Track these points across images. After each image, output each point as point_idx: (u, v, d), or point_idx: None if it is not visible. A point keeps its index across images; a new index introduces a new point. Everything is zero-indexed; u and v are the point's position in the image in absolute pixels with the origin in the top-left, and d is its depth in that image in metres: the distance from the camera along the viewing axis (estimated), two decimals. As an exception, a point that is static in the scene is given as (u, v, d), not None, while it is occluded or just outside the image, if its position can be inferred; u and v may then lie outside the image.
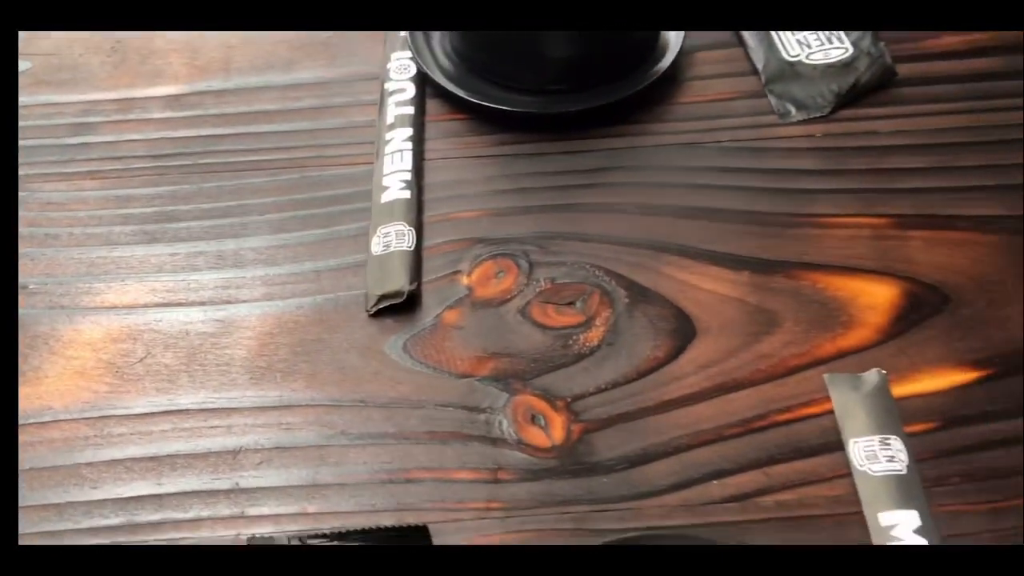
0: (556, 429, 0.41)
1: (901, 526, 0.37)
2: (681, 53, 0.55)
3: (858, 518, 0.38)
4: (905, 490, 0.38)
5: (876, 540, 0.37)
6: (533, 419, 0.42)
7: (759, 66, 0.55)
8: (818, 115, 0.53)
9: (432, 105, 0.55)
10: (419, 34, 0.56)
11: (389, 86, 0.55)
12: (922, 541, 0.37)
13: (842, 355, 0.43)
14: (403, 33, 0.57)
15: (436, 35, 0.57)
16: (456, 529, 0.39)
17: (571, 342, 0.44)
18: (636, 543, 0.37)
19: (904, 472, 0.39)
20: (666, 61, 0.54)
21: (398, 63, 0.56)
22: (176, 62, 0.58)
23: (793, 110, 0.53)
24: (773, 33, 0.56)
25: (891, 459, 0.39)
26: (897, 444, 0.40)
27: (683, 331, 0.44)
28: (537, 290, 0.46)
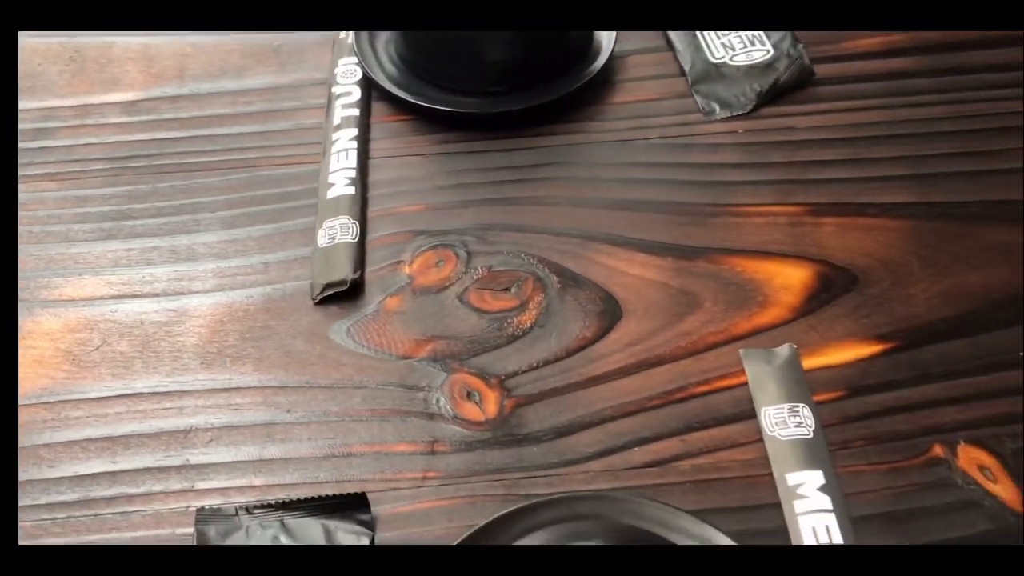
0: (490, 404, 0.44)
1: (806, 485, 0.40)
2: (613, 57, 0.59)
3: (767, 479, 0.41)
4: (811, 453, 0.41)
5: (783, 499, 0.40)
6: (469, 395, 0.44)
7: (686, 68, 0.58)
8: (740, 113, 0.56)
9: (378, 107, 0.58)
10: (365, 40, 0.59)
11: (336, 90, 0.58)
12: (825, 499, 0.40)
13: (757, 332, 0.46)
14: (350, 40, 0.59)
15: (382, 41, 0.60)
16: (394, 497, 0.41)
17: (506, 325, 0.47)
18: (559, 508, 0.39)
19: (811, 436, 0.42)
20: (598, 64, 0.57)
21: (345, 68, 0.59)
22: (133, 70, 0.60)
23: (717, 108, 0.57)
24: (700, 37, 0.60)
25: (799, 425, 0.42)
26: (805, 411, 0.43)
27: (610, 313, 0.47)
28: (475, 277, 0.49)
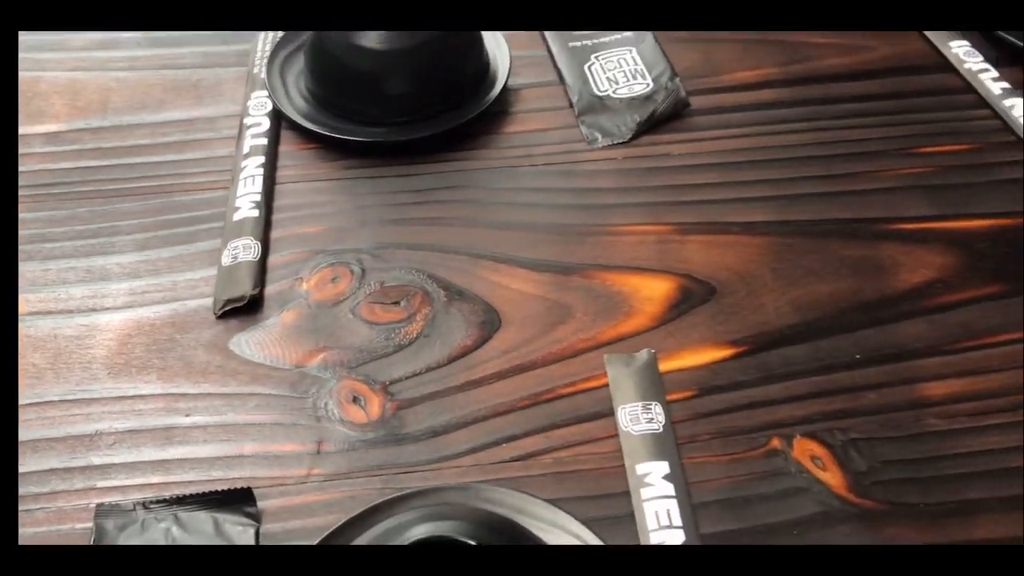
0: (373, 407, 0.48)
1: (653, 474, 0.44)
2: (508, 89, 0.64)
3: (620, 470, 0.45)
4: (660, 445, 0.46)
5: (632, 487, 0.44)
6: (355, 400, 0.48)
7: (574, 100, 0.63)
8: (620, 141, 0.61)
9: (287, 137, 0.62)
10: (276, 75, 0.64)
11: (248, 121, 0.62)
12: (669, 486, 0.44)
13: (621, 339, 0.51)
14: (263, 74, 0.64)
15: (292, 76, 0.64)
16: (280, 492, 0.45)
17: (394, 335, 0.51)
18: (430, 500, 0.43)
19: (660, 431, 0.46)
20: (491, 95, 0.62)
21: (256, 101, 0.63)
22: (58, 103, 0.64)
23: (600, 137, 0.61)
24: (588, 71, 0.65)
25: (651, 421, 0.47)
26: (657, 409, 0.47)
27: (490, 323, 0.52)
28: (367, 292, 0.53)
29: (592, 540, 0.41)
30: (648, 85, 0.64)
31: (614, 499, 0.44)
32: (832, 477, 0.45)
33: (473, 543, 0.34)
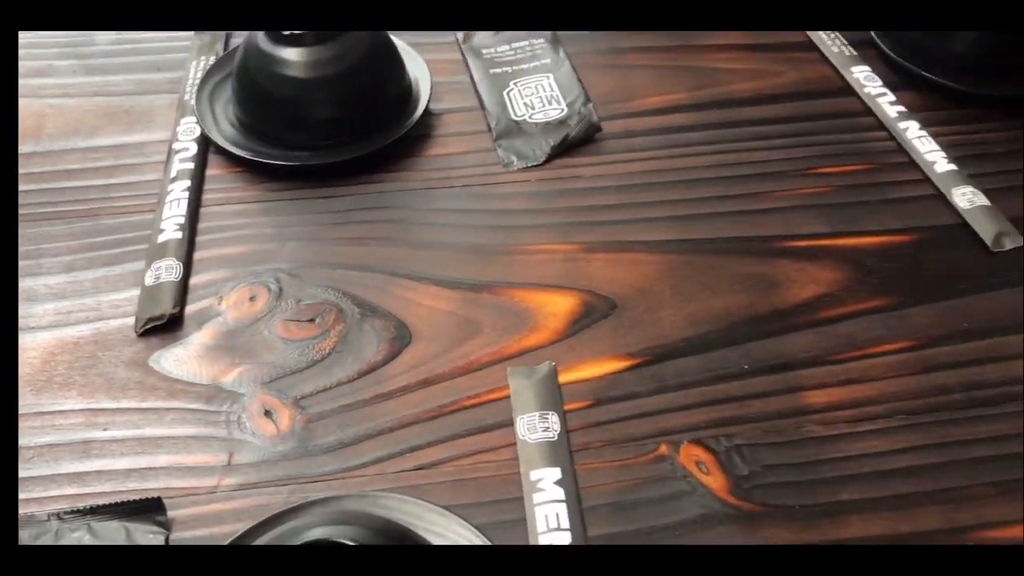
0: (284, 420, 0.50)
1: (545, 480, 0.47)
2: (429, 115, 0.66)
3: (516, 477, 0.48)
4: (553, 453, 0.48)
5: (526, 493, 0.47)
6: (266, 413, 0.51)
7: (492, 124, 0.66)
8: (535, 164, 0.64)
9: (215, 161, 0.64)
10: (205, 101, 0.66)
11: (176, 146, 0.64)
12: (559, 491, 0.47)
13: (525, 352, 0.53)
14: (192, 102, 0.66)
15: (221, 102, 0.67)
16: (191, 502, 0.47)
17: (307, 351, 0.53)
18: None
19: (555, 439, 0.49)
20: (412, 120, 0.65)
21: (186, 126, 0.66)
22: (-7, 129, 0.66)
23: (515, 160, 0.64)
24: (506, 97, 0.68)
25: (546, 429, 0.49)
26: (553, 418, 0.50)
27: (401, 339, 0.54)
28: (284, 310, 0.55)
29: (480, 543, 0.44)
30: (563, 110, 0.67)
31: (508, 504, 0.47)
32: (714, 481, 0.48)
33: (352, 543, 0.36)
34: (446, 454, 0.49)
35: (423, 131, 0.66)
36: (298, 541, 0.38)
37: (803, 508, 0.47)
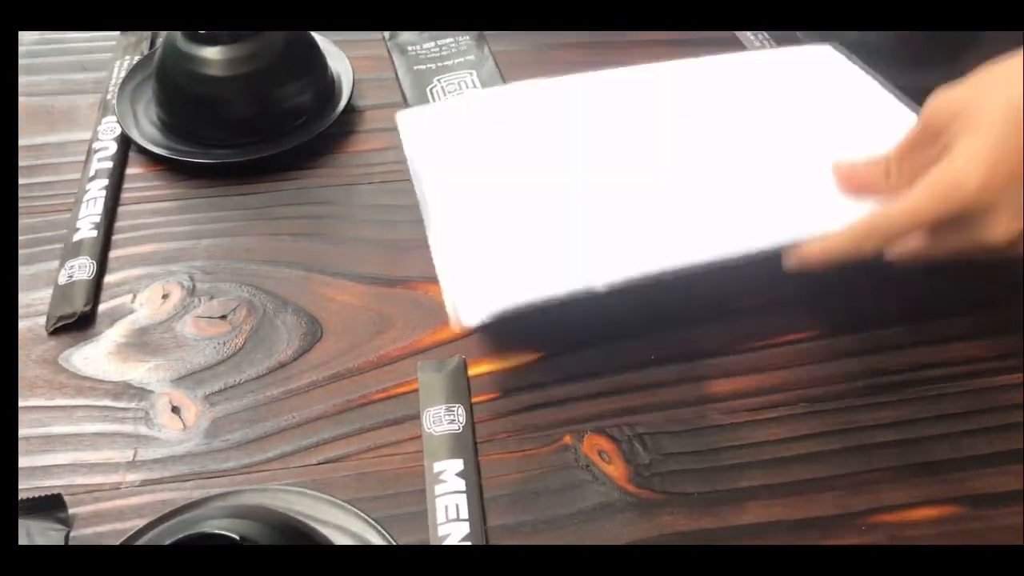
0: (191, 416, 0.50)
1: (447, 471, 0.47)
2: (353, 111, 0.67)
3: (420, 469, 0.48)
4: (458, 444, 0.49)
5: (428, 485, 0.47)
6: (174, 410, 0.51)
7: (415, 120, 0.67)
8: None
9: (136, 160, 0.64)
10: (127, 101, 0.66)
11: (96, 145, 0.64)
12: (461, 482, 0.47)
13: (437, 346, 0.54)
14: (114, 102, 0.66)
15: (143, 102, 0.67)
16: (95, 499, 0.47)
17: (218, 348, 0.54)
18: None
19: (459, 431, 0.49)
20: (332, 117, 0.65)
21: (107, 126, 0.65)
22: (-87, 130, 0.66)
23: (440, 155, 0.65)
24: (429, 94, 0.68)
25: (452, 422, 0.50)
26: (459, 410, 0.50)
27: (312, 334, 0.54)
28: (196, 307, 0.56)
29: (374, 538, 0.44)
30: (485, 105, 0.67)
31: (410, 496, 0.47)
32: (615, 470, 0.48)
33: (236, 537, 0.36)
34: (351, 448, 0.49)
35: (345, 128, 0.66)
36: (188, 534, 0.38)
37: (702, 495, 0.47)
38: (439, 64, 0.71)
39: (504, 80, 0.69)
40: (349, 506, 0.45)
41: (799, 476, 0.48)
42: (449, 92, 0.68)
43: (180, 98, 0.64)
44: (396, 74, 0.71)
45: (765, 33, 0.74)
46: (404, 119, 0.61)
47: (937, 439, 0.49)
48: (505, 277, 0.50)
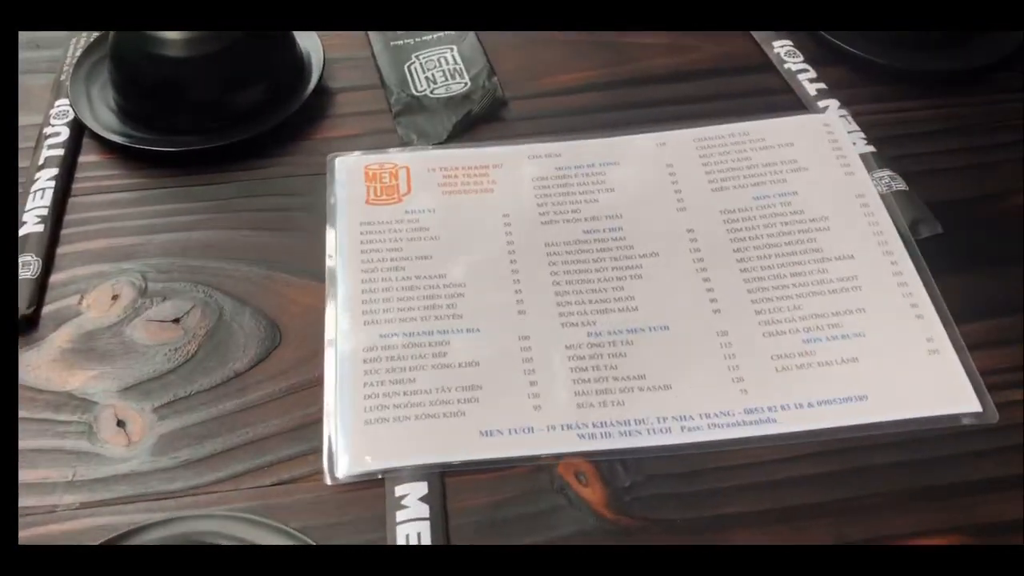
0: (137, 432, 0.47)
1: (410, 496, 0.44)
2: (325, 93, 0.63)
3: (380, 492, 0.44)
4: (422, 466, 0.45)
5: (388, 509, 0.44)
6: (119, 424, 0.47)
7: (391, 101, 0.62)
8: (436, 142, 0.60)
9: (91, 147, 0.60)
10: (81, 82, 0.62)
11: (47, 131, 0.60)
12: (425, 508, 0.43)
13: (404, 355, 0.50)
14: (67, 82, 0.62)
15: (99, 83, 0.62)
16: (26, 523, 0.43)
17: (169, 355, 0.50)
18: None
19: (425, 450, 0.46)
20: (301, 100, 0.61)
21: (59, 109, 0.61)
22: None
23: (416, 138, 0.60)
24: (407, 71, 0.64)
25: (417, 440, 0.46)
26: (425, 428, 0.47)
27: (271, 340, 0.50)
28: (147, 309, 0.52)
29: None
30: (466, 84, 0.63)
31: (369, 523, 0.44)
32: (593, 493, 0.45)
33: None
34: (308, 468, 0.46)
35: (315, 112, 0.62)
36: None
37: (686, 522, 0.44)
38: (417, 39, 0.66)
39: (487, 56, 0.64)
40: (301, 535, 0.42)
41: (791, 502, 0.45)
42: (428, 70, 0.64)
43: (136, 81, 0.60)
44: (372, 51, 0.66)
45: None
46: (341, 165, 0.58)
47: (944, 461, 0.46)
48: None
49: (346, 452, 0.46)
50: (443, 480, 0.45)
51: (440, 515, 0.43)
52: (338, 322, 0.50)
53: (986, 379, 0.48)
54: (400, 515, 0.43)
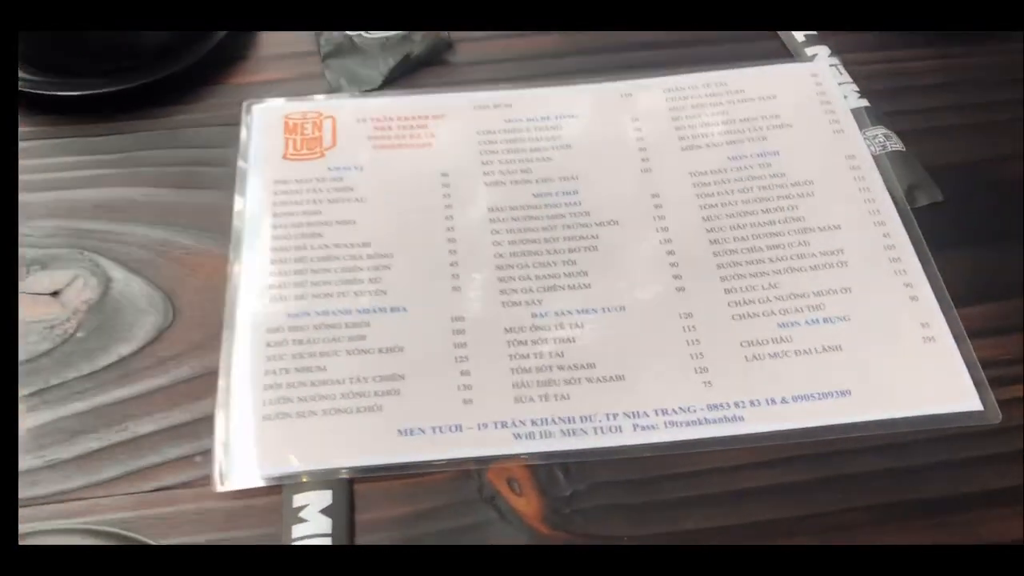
0: (0, 425, 0.40)
1: (311, 507, 0.37)
2: (245, 33, 0.55)
3: (277, 502, 0.38)
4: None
5: (285, 524, 0.37)
6: (-21, 416, 0.40)
7: (321, 42, 0.55)
8: (370, 89, 0.53)
9: (-26, 89, 0.53)
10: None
11: (-78, 70, 0.52)
12: (326, 522, 0.37)
13: (317, 337, 0.43)
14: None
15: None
16: None
17: (46, 335, 0.43)
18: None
19: (332, 453, 0.39)
20: (216, 39, 0.53)
21: (-62, 46, 0.53)
22: None
23: (345, 84, 0.53)
24: (339, 10, 0.56)
25: (323, 440, 0.39)
26: (334, 425, 0.40)
27: (162, 319, 0.43)
28: (21, 280, 0.45)
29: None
30: (405, 25, 0.55)
31: (261, 540, 0.37)
32: (527, 504, 0.38)
33: None
34: (195, 473, 0.39)
35: (232, 52, 0.54)
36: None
37: (635, 540, 0.37)
38: (354, -27, 0.59)
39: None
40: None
41: (759, 515, 0.38)
42: (362, 10, 0.56)
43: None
44: (302, -13, 0.58)
45: None
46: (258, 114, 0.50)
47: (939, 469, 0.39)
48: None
49: (240, 454, 0.39)
50: (351, 488, 0.38)
51: (345, 530, 0.37)
52: (241, 298, 0.44)
53: (987, 372, 0.41)
54: (298, 530, 0.37)
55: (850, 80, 0.53)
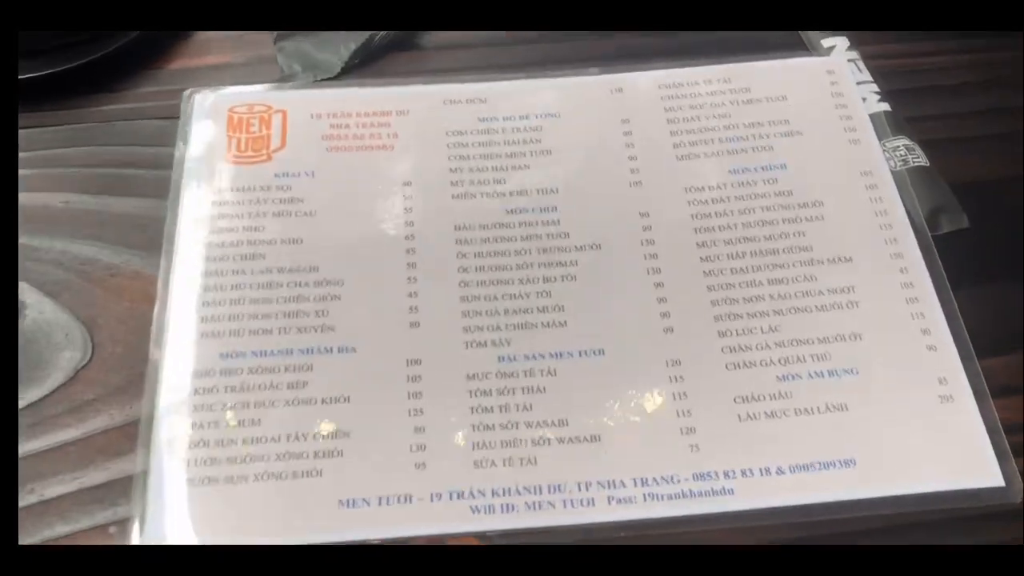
0: None
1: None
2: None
3: (201, 583, 0.34)
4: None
5: None
6: None
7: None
8: (327, 77, 0.47)
9: None
10: None
11: None
12: None
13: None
14: None
15: None
16: None
17: (-55, 371, 0.38)
18: None
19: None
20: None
21: None
22: None
23: (300, 70, 0.47)
24: (295, -17, 0.50)
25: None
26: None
27: (76, 356, 0.38)
28: (-79, 307, 0.39)
29: None
30: (367, 4, 0.49)
31: None
32: None
33: None
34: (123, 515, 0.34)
35: (171, 35, 0.48)
36: None
37: (604, 636, 0.33)
38: (313, -62, 0.52)
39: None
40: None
41: None
42: (321, -17, 0.50)
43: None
44: (254, -48, 0.52)
45: None
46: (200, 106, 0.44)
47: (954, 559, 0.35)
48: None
49: (158, 525, 0.34)
50: (285, 570, 0.34)
51: None
52: (169, 334, 0.38)
53: (1010, 439, 0.37)
54: None
55: (870, 79, 0.47)
